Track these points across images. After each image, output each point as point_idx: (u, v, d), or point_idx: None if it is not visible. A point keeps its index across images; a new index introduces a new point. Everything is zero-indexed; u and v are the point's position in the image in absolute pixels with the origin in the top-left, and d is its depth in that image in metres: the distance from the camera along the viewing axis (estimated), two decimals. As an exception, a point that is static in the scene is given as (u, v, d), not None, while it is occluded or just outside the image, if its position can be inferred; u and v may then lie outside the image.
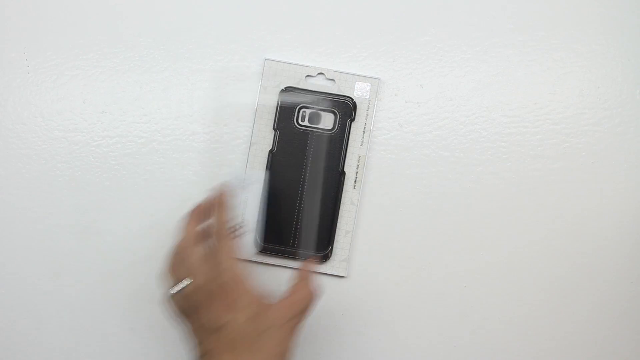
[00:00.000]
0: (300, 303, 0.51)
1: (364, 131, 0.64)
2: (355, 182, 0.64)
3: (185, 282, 0.51)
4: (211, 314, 0.50)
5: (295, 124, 0.62)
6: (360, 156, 0.64)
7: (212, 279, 0.50)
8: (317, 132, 0.62)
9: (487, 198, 0.64)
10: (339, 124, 0.62)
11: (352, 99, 0.63)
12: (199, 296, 0.50)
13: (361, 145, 0.64)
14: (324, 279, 0.63)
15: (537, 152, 0.64)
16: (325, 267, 0.63)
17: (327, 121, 0.63)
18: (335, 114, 0.62)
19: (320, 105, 0.62)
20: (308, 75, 0.64)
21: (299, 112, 0.63)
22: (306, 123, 0.62)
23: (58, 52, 0.64)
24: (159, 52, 0.64)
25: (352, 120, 0.63)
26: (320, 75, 0.64)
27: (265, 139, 0.63)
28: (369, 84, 0.64)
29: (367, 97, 0.64)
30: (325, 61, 0.64)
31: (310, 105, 0.62)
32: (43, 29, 0.64)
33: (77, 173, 0.64)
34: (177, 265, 0.52)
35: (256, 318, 0.50)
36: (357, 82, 0.64)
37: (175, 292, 0.52)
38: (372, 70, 0.64)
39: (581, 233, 0.64)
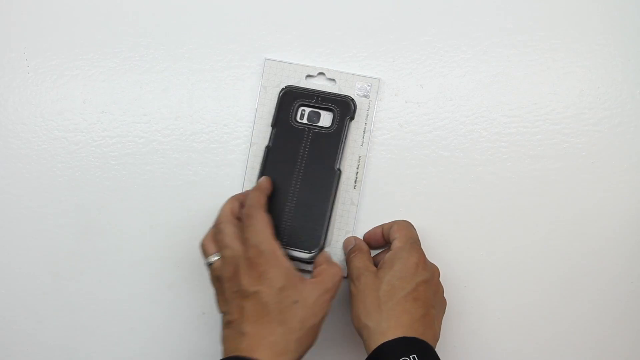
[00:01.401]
0: (331, 279, 0.54)
1: (364, 131, 0.64)
2: (355, 182, 0.64)
3: (214, 257, 0.55)
4: (239, 285, 0.52)
5: (293, 121, 0.62)
6: (360, 156, 0.64)
7: (240, 254, 0.53)
8: (313, 129, 0.62)
9: (487, 198, 0.64)
10: (337, 122, 0.62)
11: (353, 98, 0.62)
12: (228, 269, 0.53)
13: (361, 145, 0.64)
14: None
15: (537, 152, 0.64)
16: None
17: (325, 119, 0.62)
18: (333, 112, 0.62)
19: (318, 103, 0.62)
20: (308, 75, 0.64)
21: (297, 110, 0.62)
22: (304, 121, 0.62)
23: (58, 52, 0.64)
24: (159, 52, 0.64)
25: (352, 119, 0.62)
26: (320, 75, 0.64)
27: (266, 139, 0.63)
28: (370, 84, 0.64)
29: (368, 97, 0.64)
30: (326, 61, 0.64)
31: (309, 103, 0.62)
32: (43, 29, 0.64)
33: (77, 173, 0.64)
34: (211, 240, 0.56)
35: (283, 291, 0.51)
36: (357, 82, 0.64)
37: (206, 264, 0.56)
38: (372, 70, 0.64)
39: (581, 233, 0.64)
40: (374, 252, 0.63)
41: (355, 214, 0.63)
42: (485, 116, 0.65)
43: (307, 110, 0.62)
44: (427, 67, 0.65)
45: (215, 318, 0.63)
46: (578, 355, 0.65)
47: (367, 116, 0.64)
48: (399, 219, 0.62)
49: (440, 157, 0.64)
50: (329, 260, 0.57)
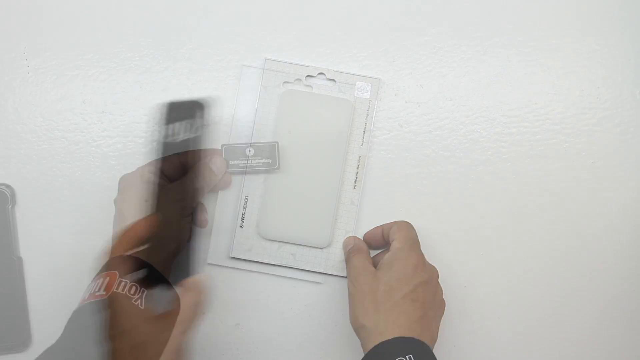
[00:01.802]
0: (183, 314, 0.51)
1: (364, 131, 0.64)
2: (355, 182, 0.64)
3: None
4: None
5: (167, 139, 0.55)
6: (360, 156, 0.64)
7: None
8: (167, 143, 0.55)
9: (487, 198, 0.64)
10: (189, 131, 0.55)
11: (199, 102, 0.55)
12: None
13: (361, 145, 0.64)
14: (328, 279, 0.63)
15: (537, 152, 0.64)
16: (325, 267, 0.63)
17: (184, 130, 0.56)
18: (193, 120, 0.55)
19: (178, 113, 0.55)
20: (309, 76, 0.64)
21: (168, 126, 0.56)
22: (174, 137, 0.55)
23: (58, 52, 0.64)
24: (159, 52, 0.64)
25: (204, 127, 0.54)
26: (320, 75, 0.64)
27: (266, 138, 0.63)
28: (370, 84, 0.64)
29: (368, 97, 0.64)
30: (326, 61, 0.64)
31: (172, 116, 0.55)
32: (43, 29, 0.64)
33: (77, 173, 0.64)
34: None
35: (131, 333, 0.49)
36: (357, 82, 0.64)
37: None
38: (372, 70, 0.64)
39: (581, 232, 0.64)
40: (373, 253, 0.63)
41: (356, 213, 0.63)
42: (485, 116, 0.65)
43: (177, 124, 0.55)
44: (427, 67, 0.65)
45: (215, 318, 0.63)
46: (578, 355, 0.65)
47: (367, 116, 0.64)
48: (399, 220, 0.62)
49: (440, 157, 0.64)
50: (193, 288, 0.52)
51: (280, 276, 0.63)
